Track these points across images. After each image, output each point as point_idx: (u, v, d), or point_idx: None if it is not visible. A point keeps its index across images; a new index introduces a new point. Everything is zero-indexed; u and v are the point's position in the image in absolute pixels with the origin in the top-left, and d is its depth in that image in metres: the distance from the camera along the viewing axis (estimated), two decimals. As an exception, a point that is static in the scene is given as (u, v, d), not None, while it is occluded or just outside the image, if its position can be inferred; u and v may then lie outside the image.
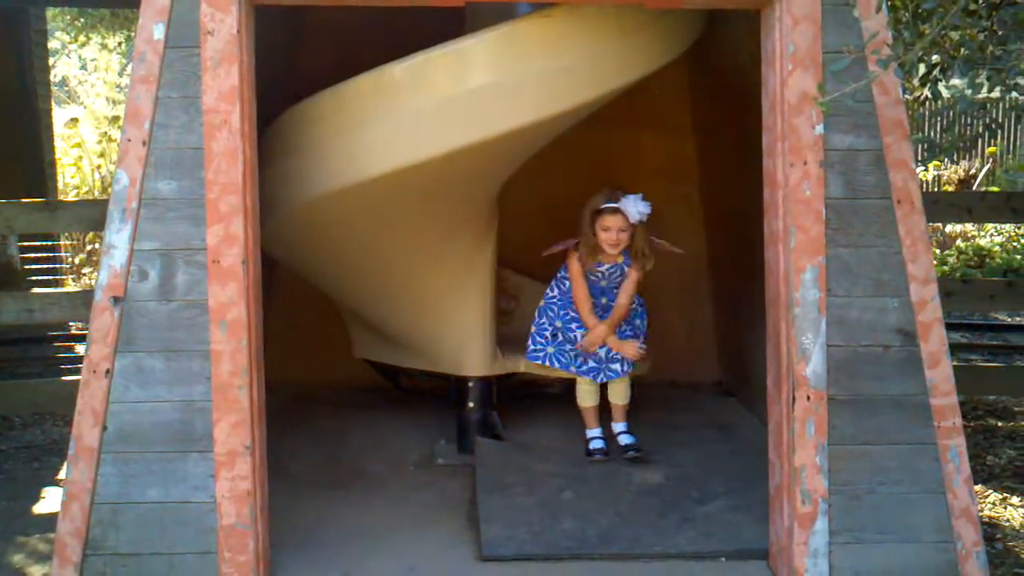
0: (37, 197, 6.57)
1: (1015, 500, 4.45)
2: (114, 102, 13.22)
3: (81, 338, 7.18)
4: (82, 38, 11.28)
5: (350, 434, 4.91)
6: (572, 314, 4.43)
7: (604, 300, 4.43)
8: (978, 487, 4.51)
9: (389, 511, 3.94)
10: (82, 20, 10.50)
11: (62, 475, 3.97)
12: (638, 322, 4.49)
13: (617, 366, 4.40)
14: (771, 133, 3.28)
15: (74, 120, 12.10)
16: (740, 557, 3.50)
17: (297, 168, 3.94)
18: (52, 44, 11.32)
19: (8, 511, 4.34)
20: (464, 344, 4.59)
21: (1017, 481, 4.68)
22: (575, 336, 4.41)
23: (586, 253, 4.30)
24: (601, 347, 4.38)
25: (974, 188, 12.09)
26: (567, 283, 4.44)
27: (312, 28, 5.44)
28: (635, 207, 4.18)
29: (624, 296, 4.36)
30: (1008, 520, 4.25)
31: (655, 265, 4.39)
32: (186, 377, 3.16)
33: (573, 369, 4.43)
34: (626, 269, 4.35)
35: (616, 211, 4.19)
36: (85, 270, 9.92)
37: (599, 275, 4.36)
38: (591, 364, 4.41)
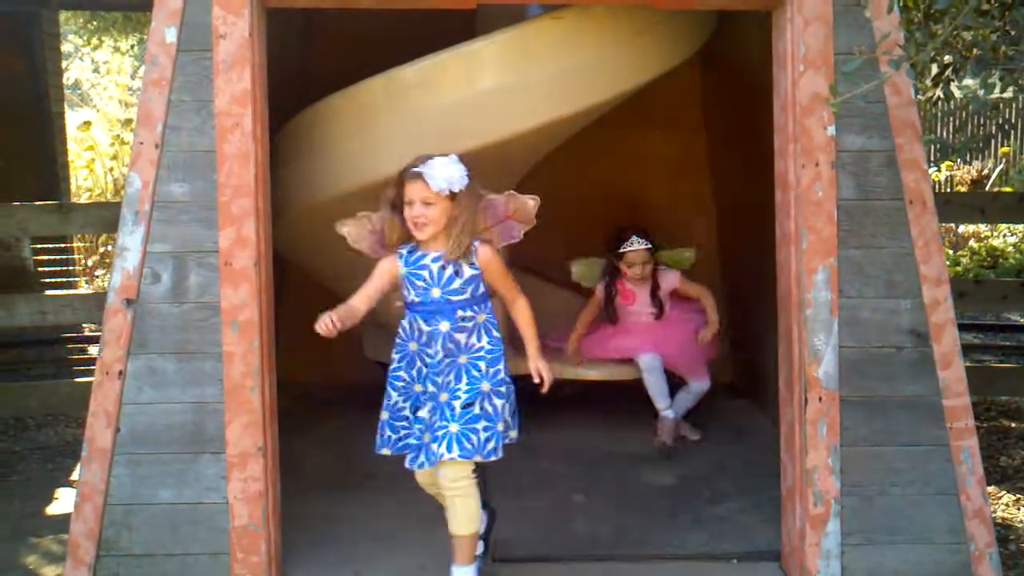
0: (50, 200, 6.60)
1: (1029, 501, 4.43)
2: (127, 105, 13.29)
3: (94, 340, 7.21)
4: (95, 41, 11.34)
5: (361, 434, 4.90)
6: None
7: (445, 326, 3.04)
8: (991, 488, 4.48)
9: (400, 511, 3.94)
10: (95, 23, 10.56)
11: (75, 476, 3.98)
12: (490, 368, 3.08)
13: (436, 446, 2.98)
14: (783, 134, 3.27)
15: (87, 123, 12.15)
16: (752, 558, 3.49)
17: (309, 170, 3.95)
18: (65, 47, 11.38)
19: (22, 512, 4.36)
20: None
21: (1031, 482, 4.67)
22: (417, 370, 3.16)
23: (388, 232, 3.11)
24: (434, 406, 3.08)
25: (987, 188, 12.03)
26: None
27: (324, 30, 5.45)
28: (442, 172, 2.97)
29: (510, 301, 3.16)
30: (1022, 521, 4.23)
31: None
32: (198, 378, 3.17)
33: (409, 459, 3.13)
34: (465, 266, 3.05)
35: (417, 177, 2.99)
36: (98, 272, 9.96)
37: (425, 278, 3.05)
38: (412, 439, 3.13)
